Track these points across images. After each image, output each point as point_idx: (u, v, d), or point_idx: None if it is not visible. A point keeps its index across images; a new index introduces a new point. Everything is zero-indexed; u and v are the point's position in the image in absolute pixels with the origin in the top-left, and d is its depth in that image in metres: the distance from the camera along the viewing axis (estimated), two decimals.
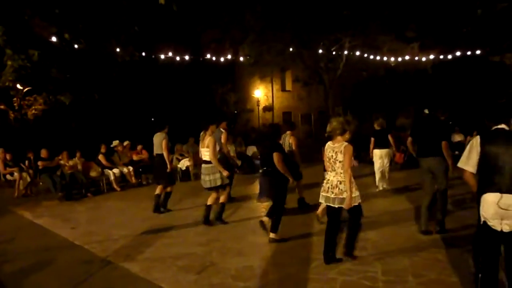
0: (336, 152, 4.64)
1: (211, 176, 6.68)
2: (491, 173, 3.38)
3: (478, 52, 18.94)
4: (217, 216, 7.02)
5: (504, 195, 3.28)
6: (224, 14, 18.62)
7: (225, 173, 6.70)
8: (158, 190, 8.21)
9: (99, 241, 6.36)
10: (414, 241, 5.60)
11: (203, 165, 6.85)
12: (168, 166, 8.07)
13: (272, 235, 5.79)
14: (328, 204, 4.76)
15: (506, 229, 3.30)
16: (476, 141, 3.51)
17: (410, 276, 4.39)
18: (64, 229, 7.28)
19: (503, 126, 3.47)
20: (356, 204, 4.70)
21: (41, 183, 11.26)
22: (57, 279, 4.96)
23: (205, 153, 6.76)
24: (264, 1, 17.73)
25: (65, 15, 13.86)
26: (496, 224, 3.33)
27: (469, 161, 3.54)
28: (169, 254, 5.53)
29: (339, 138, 4.70)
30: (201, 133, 7.11)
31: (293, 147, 7.68)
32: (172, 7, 8.67)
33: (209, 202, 6.96)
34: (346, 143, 4.63)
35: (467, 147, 3.60)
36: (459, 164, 3.65)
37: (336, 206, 4.67)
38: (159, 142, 8.09)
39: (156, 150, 8.21)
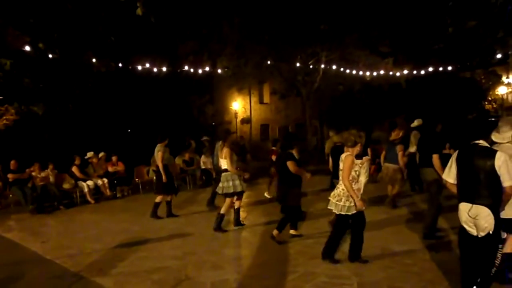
0: (342, 162, 5.12)
1: (224, 183, 7.15)
2: (464, 184, 3.78)
3: (449, 68, 19.60)
4: (234, 222, 7.48)
5: (474, 205, 3.62)
6: (202, 26, 18.67)
7: (246, 175, 7.49)
8: (158, 199, 8.59)
9: (71, 255, 6.19)
10: (389, 251, 5.67)
11: (222, 173, 7.34)
12: (164, 177, 8.40)
13: (292, 231, 6.54)
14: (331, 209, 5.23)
15: (474, 233, 3.65)
16: (454, 155, 3.93)
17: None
18: (35, 243, 7.07)
19: (481, 141, 3.78)
20: (349, 213, 5.04)
21: (11, 195, 10.91)
22: None
23: (224, 162, 7.27)
24: (242, 13, 17.89)
25: (39, 24, 13.62)
26: (470, 229, 3.69)
27: (450, 173, 3.96)
28: (143, 268, 5.43)
29: (348, 149, 5.12)
30: (219, 144, 7.78)
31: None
32: (149, 19, 8.65)
33: (222, 211, 7.23)
34: (347, 153, 5.08)
35: (450, 160, 4.00)
36: (443, 176, 4.12)
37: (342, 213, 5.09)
38: (157, 153, 8.48)
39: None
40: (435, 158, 5.96)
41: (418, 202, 9.04)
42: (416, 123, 9.33)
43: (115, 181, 12.20)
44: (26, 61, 14.08)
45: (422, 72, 19.74)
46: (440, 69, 19.56)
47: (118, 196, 12.09)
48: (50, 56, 14.09)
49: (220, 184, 7.24)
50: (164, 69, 17.70)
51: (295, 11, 17.45)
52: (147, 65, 17.12)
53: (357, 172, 5.02)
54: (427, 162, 6.08)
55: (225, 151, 7.23)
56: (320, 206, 8.66)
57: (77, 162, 11.52)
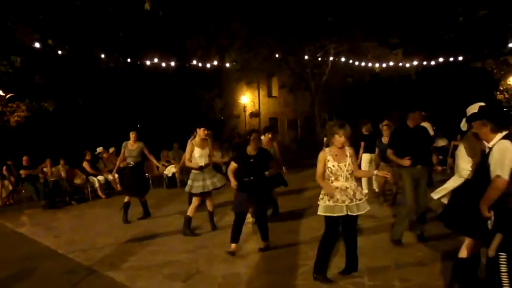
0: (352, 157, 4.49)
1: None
2: None
3: (460, 58, 19.31)
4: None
5: None
6: (210, 20, 18.63)
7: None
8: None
9: (83, 249, 6.25)
10: (400, 244, 5.63)
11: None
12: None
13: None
14: (352, 213, 4.34)
15: None
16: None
17: (396, 280, 4.42)
18: (47, 237, 7.16)
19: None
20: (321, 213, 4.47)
21: (23, 191, 11.06)
22: None
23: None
24: (250, 7, 17.81)
25: (49, 21, 13.70)
26: None
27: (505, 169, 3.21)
28: (154, 262, 5.47)
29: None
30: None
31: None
32: (157, 13, 8.65)
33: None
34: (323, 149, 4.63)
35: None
36: (499, 173, 3.18)
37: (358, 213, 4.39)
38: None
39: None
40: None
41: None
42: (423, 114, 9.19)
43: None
44: (36, 58, 14.19)
45: (433, 62, 19.47)
46: (451, 59, 19.28)
47: None
48: (60, 52, 14.18)
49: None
50: (173, 63, 17.73)
51: (303, 4, 17.32)
52: (156, 60, 17.16)
53: (334, 168, 4.38)
54: (421, 159, 5.68)
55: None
56: None
57: (87, 157, 11.62)
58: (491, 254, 3.18)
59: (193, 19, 18.87)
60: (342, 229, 4.52)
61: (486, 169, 3.30)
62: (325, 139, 10.20)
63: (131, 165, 8.00)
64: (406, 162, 5.51)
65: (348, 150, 4.49)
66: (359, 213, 4.37)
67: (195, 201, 6.77)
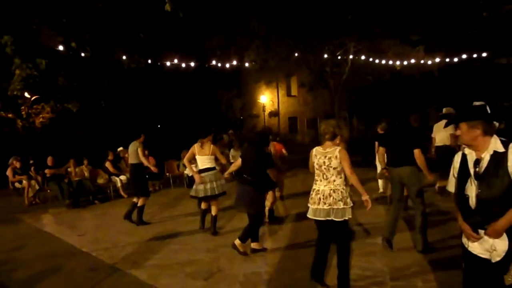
0: (330, 158, 4.12)
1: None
2: None
3: (484, 54, 18.88)
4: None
5: None
6: (229, 20, 18.72)
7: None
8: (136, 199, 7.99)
9: (106, 248, 6.36)
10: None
11: None
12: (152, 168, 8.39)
13: (254, 244, 5.67)
14: (319, 218, 4.17)
15: None
16: None
17: (419, 281, 4.35)
18: (72, 236, 7.30)
19: None
20: (346, 218, 4.11)
21: (48, 191, 11.32)
22: (64, 286, 4.98)
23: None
24: (269, 6, 17.81)
25: (72, 24, 13.99)
26: None
27: None
28: (176, 261, 5.52)
29: (328, 143, 4.23)
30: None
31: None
32: (178, 14, 8.71)
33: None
34: (339, 147, 4.19)
35: None
36: None
37: (330, 219, 4.10)
38: (134, 151, 8.00)
39: (130, 160, 8.14)
40: (418, 153, 5.22)
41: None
42: (445, 111, 9.00)
43: (147, 176, 12.41)
44: (60, 60, 14.51)
45: (455, 59, 19.10)
46: (474, 56, 18.88)
47: (150, 190, 12.30)
48: (82, 54, 14.46)
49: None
50: (192, 64, 17.88)
51: (322, 2, 17.21)
52: (176, 60, 17.33)
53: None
54: (405, 160, 5.32)
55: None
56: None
57: (110, 157, 11.81)
58: (510, 281, 2.65)
59: (212, 20, 19.00)
60: None
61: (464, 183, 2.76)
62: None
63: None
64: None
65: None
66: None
67: (202, 205, 7.07)
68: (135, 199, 8.01)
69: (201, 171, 6.69)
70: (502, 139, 2.68)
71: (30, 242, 7.15)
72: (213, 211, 6.80)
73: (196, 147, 6.75)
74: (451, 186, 2.96)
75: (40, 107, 17.66)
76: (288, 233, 6.52)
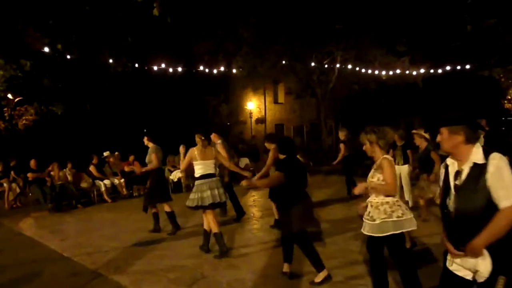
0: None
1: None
2: None
3: (467, 66, 19.29)
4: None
5: None
6: (217, 26, 18.75)
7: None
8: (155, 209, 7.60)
9: (89, 253, 6.28)
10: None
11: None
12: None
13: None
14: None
15: None
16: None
17: None
18: (53, 240, 7.20)
19: None
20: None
21: (30, 194, 11.14)
22: None
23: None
24: (257, 13, 17.91)
25: (58, 26, 13.85)
26: None
27: None
28: (160, 267, 5.48)
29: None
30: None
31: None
32: (166, 19, 8.70)
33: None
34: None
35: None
36: None
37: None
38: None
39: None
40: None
41: None
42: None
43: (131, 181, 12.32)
44: (45, 62, 14.34)
45: (440, 71, 19.48)
46: (458, 67, 19.27)
47: (134, 195, 12.22)
48: (68, 57, 14.32)
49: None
50: (180, 69, 17.84)
51: (311, 11, 17.39)
52: (163, 65, 17.28)
53: None
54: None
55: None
56: (338, 205, 8.60)
57: (94, 161, 11.71)
58: None
59: (200, 25, 19.01)
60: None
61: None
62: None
63: None
64: None
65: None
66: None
67: (207, 215, 5.90)
68: (154, 209, 7.53)
69: (204, 177, 5.80)
70: (485, 147, 2.49)
71: (10, 246, 7.02)
72: (207, 225, 5.97)
73: (196, 150, 5.83)
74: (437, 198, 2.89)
75: (24, 109, 17.39)
76: (273, 240, 6.52)
